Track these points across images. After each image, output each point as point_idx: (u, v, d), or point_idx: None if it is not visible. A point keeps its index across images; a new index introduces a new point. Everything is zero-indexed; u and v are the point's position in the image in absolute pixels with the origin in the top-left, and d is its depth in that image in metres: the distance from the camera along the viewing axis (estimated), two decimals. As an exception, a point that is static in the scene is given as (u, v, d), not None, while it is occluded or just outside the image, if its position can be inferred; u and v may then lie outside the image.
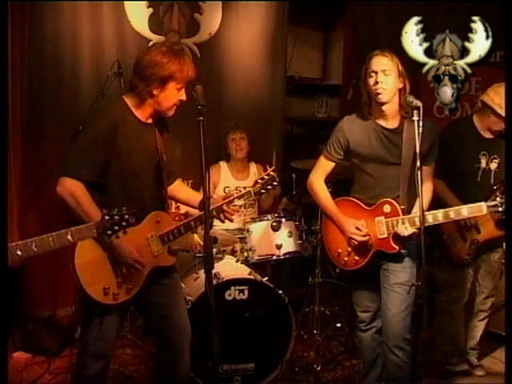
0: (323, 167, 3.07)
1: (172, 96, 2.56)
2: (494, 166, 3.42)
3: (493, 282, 3.62)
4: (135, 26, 4.28)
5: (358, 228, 2.91)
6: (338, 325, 4.23)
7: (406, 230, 2.78)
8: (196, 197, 2.86)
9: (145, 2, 4.30)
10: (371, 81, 2.82)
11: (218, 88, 4.60)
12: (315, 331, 3.95)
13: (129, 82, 2.61)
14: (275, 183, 2.84)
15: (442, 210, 2.82)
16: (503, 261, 3.49)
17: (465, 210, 2.83)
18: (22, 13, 3.81)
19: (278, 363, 3.46)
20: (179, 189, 2.90)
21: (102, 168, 2.51)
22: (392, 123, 2.89)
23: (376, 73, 2.80)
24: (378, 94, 2.80)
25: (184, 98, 2.60)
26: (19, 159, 3.92)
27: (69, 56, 4.03)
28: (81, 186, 2.47)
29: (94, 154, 2.48)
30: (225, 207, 2.75)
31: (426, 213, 2.78)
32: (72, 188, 2.46)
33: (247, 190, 2.82)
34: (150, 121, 2.64)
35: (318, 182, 3.07)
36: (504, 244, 3.27)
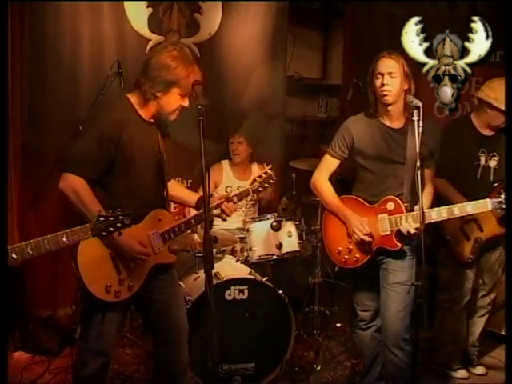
0: (327, 165, 3.07)
1: (174, 101, 2.57)
2: (493, 163, 3.42)
3: (493, 279, 3.63)
4: (135, 25, 4.27)
5: (362, 225, 2.92)
6: (338, 325, 4.25)
7: (410, 227, 2.79)
8: (192, 196, 2.88)
9: (144, 1, 4.29)
10: (377, 82, 2.86)
11: (218, 88, 4.60)
12: (315, 331, 3.94)
13: (135, 79, 2.60)
14: (272, 181, 2.89)
15: (447, 207, 2.84)
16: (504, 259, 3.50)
17: (469, 207, 2.84)
18: (21, 13, 3.80)
19: (277, 363, 3.46)
20: (174, 188, 2.90)
21: (105, 166, 2.51)
22: (397, 123, 2.92)
23: (382, 75, 2.84)
24: (384, 95, 2.84)
25: (187, 104, 2.60)
26: (19, 159, 3.91)
27: (69, 56, 4.02)
28: (83, 182, 2.47)
29: (99, 151, 2.48)
30: (223, 206, 2.76)
31: (430, 209, 2.82)
32: (74, 184, 2.46)
33: (245, 188, 2.87)
34: (152, 120, 2.65)
35: (322, 179, 3.06)
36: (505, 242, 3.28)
